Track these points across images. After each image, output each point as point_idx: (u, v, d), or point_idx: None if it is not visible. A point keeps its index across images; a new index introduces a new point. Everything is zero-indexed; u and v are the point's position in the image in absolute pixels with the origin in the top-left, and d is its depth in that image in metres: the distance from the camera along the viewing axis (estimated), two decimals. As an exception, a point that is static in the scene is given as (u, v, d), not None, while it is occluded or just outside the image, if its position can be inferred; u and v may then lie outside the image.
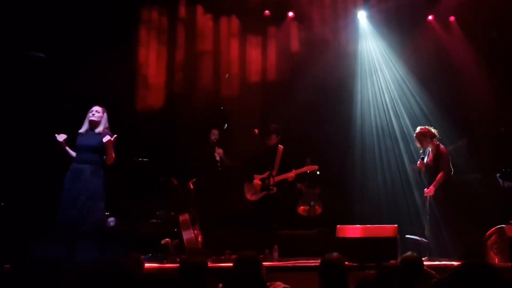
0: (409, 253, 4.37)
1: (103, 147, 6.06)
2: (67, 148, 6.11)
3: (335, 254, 3.80)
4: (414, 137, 7.05)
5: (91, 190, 5.99)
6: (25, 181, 7.66)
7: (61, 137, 6.04)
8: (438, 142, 6.93)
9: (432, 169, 6.87)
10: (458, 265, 2.51)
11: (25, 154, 7.78)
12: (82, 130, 6.19)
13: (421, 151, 6.99)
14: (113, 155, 6.10)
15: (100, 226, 6.09)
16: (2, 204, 7.69)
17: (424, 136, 6.92)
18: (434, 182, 6.74)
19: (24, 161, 7.75)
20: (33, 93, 7.98)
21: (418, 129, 7.05)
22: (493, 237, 6.34)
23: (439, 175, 6.74)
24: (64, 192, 5.99)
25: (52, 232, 6.01)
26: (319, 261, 3.78)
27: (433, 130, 6.96)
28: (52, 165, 7.53)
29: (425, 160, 6.93)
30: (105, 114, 6.24)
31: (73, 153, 6.13)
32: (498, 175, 7.87)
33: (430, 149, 6.92)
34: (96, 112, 6.19)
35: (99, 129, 6.16)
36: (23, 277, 2.90)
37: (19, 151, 7.76)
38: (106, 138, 5.97)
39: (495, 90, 8.60)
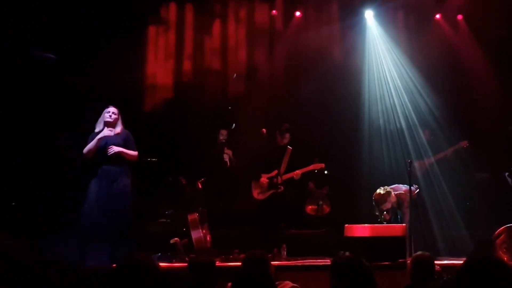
0: (420, 252, 4.36)
1: (125, 146, 6.22)
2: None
3: (347, 253, 3.81)
4: (375, 205, 6.97)
5: (121, 191, 6.12)
6: (34, 181, 7.73)
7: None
8: (394, 193, 6.97)
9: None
10: (465, 261, 2.51)
11: (35, 153, 7.85)
12: (97, 131, 6.30)
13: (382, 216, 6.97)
14: (131, 153, 6.28)
15: (129, 226, 6.17)
16: (13, 203, 7.77)
17: (385, 201, 6.90)
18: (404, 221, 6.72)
19: (34, 161, 7.81)
20: (44, 92, 8.05)
21: (374, 197, 6.98)
22: (502, 236, 6.33)
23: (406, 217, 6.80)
24: (91, 194, 6.08)
25: (67, 233, 6.09)
26: (328, 260, 3.79)
27: (385, 190, 6.96)
28: (62, 164, 7.61)
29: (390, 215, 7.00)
30: (120, 115, 6.40)
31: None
32: (506, 174, 7.84)
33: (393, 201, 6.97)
34: (113, 114, 6.33)
35: (117, 129, 6.29)
36: (32, 276, 2.93)
37: (28, 150, 7.82)
38: (111, 151, 6.11)
39: (503, 89, 8.57)
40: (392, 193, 6.96)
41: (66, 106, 8.02)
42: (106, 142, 6.19)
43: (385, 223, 6.87)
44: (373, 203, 7.00)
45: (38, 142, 7.88)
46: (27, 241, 6.22)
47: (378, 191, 6.98)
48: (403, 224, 6.35)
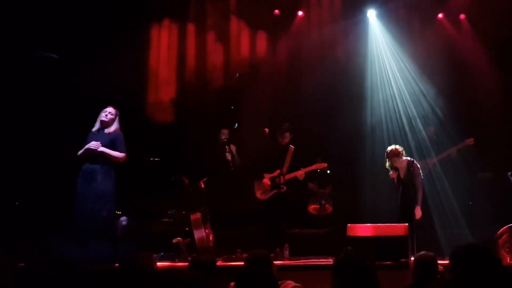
0: (423, 252, 4.35)
1: (113, 146, 6.21)
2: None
3: (350, 248, 3.81)
4: (387, 157, 7.15)
5: (101, 190, 6.11)
6: (38, 180, 7.75)
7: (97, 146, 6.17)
8: (407, 158, 7.15)
9: (405, 183, 7.05)
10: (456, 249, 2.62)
11: (38, 153, 7.86)
12: (94, 129, 6.36)
13: (391, 172, 7.14)
14: (115, 154, 6.22)
15: (109, 226, 6.18)
16: (17, 203, 7.79)
17: (397, 156, 7.06)
18: (418, 203, 6.92)
19: (37, 160, 7.83)
20: (46, 93, 8.07)
21: (390, 149, 7.16)
22: (504, 236, 6.31)
23: (419, 193, 6.96)
24: (77, 193, 6.15)
25: (65, 232, 6.12)
26: (331, 259, 3.78)
27: (401, 148, 7.16)
28: (65, 164, 7.62)
29: (397, 174, 7.12)
30: (118, 116, 6.40)
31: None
32: (509, 173, 7.83)
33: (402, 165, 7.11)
34: (109, 114, 6.34)
35: (110, 129, 6.31)
36: (36, 275, 2.94)
37: (31, 150, 7.84)
38: (93, 146, 6.12)
39: (506, 88, 8.55)
40: (405, 157, 7.11)
41: (68, 106, 8.04)
42: (92, 140, 6.21)
43: (393, 170, 7.07)
44: (386, 155, 7.16)
45: (39, 141, 7.89)
46: (28, 241, 6.28)
47: (394, 146, 7.21)
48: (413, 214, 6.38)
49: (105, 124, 6.33)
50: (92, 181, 6.13)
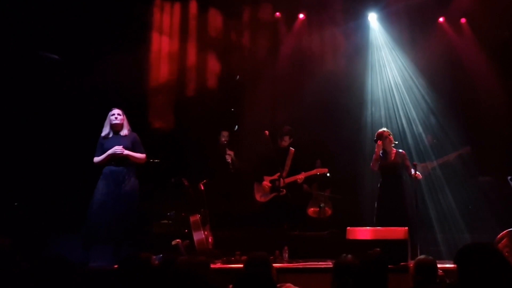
0: (423, 256, 4.35)
1: (133, 148, 6.28)
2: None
3: (349, 256, 3.82)
4: (390, 138, 7.09)
5: (127, 191, 6.18)
6: (39, 181, 7.75)
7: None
8: (397, 149, 7.17)
9: (392, 168, 7.03)
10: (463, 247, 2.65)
11: (38, 153, 7.87)
12: (104, 134, 6.35)
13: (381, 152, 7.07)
14: (138, 156, 6.34)
15: (134, 225, 6.22)
16: (16, 204, 7.79)
17: (384, 137, 7.07)
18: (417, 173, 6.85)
19: (38, 161, 7.83)
20: (47, 93, 8.08)
21: (387, 130, 7.17)
22: (504, 240, 6.30)
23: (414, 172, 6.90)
24: (98, 194, 6.12)
25: (71, 233, 6.12)
26: (330, 262, 3.80)
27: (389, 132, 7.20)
28: (65, 164, 7.63)
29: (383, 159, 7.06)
30: (125, 116, 6.44)
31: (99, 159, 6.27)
32: (509, 177, 7.83)
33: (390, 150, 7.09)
34: (118, 115, 6.37)
35: (124, 131, 6.37)
36: (38, 275, 2.94)
37: (32, 150, 7.85)
38: (118, 150, 6.14)
39: (507, 91, 8.56)
40: (393, 142, 7.07)
41: (70, 106, 8.05)
42: (110, 144, 6.21)
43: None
44: (377, 134, 7.13)
45: (43, 142, 7.90)
46: (31, 241, 6.28)
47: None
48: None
49: (118, 127, 6.35)
50: (120, 184, 6.18)
